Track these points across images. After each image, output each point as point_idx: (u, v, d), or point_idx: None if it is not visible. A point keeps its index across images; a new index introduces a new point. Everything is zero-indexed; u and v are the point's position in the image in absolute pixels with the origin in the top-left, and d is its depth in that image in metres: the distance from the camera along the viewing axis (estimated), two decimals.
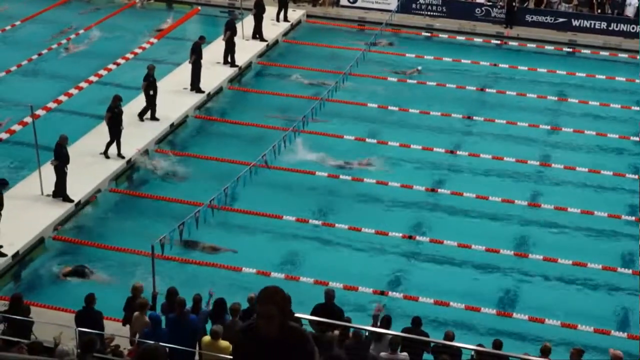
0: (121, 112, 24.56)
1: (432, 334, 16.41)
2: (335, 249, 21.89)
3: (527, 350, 16.31)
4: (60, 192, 22.46)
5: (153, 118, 26.76)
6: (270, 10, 34.50)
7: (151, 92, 26.46)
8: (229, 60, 31.06)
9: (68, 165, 22.25)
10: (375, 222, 22.63)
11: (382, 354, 14.54)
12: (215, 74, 30.37)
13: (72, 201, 22.51)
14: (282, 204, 23.42)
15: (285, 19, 35.74)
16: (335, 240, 22.17)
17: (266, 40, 33.53)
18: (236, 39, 31.27)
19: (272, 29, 34.87)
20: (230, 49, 30.98)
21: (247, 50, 32.45)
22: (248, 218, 22.78)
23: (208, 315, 15.87)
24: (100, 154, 24.56)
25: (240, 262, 20.83)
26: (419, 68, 31.80)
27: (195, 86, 28.88)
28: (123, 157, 24.65)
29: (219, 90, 29.94)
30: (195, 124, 28.02)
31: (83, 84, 29.38)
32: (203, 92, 28.98)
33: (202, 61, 28.93)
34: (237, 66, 31.07)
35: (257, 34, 33.51)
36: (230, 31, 30.84)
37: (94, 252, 21.25)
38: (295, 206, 23.33)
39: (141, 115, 26.71)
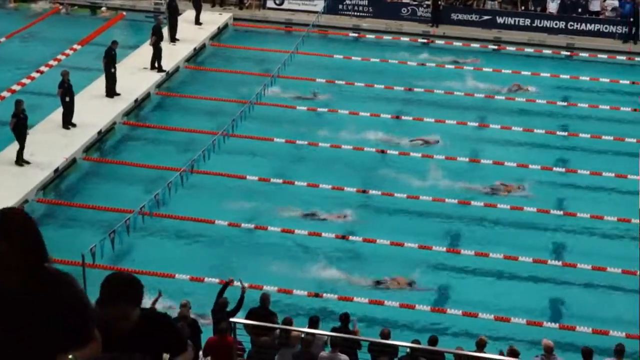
0: (26, 118, 24.00)
1: (367, 333, 16.45)
2: (269, 252, 21.80)
3: (462, 344, 16.40)
4: None
5: (70, 124, 26.27)
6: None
7: (67, 99, 26.01)
8: (156, 65, 30.76)
9: None
10: (308, 224, 22.60)
11: (323, 353, 14.53)
12: (142, 80, 30.07)
13: None
14: (213, 208, 23.24)
15: (197, 22, 35.48)
16: (268, 243, 22.08)
17: (177, 39, 33.27)
18: (164, 44, 31.01)
19: (199, 32, 34.71)
20: (156, 54, 30.70)
21: (174, 55, 32.22)
22: (180, 223, 22.57)
23: None
24: (16, 163, 24.08)
25: (173, 268, 20.61)
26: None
27: (110, 92, 28.43)
28: (28, 163, 24.14)
29: (147, 95, 29.64)
30: (123, 130, 27.70)
31: (5, 93, 28.77)
32: (118, 94, 28.47)
33: (130, 67, 28.59)
34: (164, 71, 30.80)
35: (171, 36, 33.29)
36: (156, 36, 30.56)
37: None
38: (228, 210, 23.18)
39: (65, 124, 26.27)
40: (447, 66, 33.04)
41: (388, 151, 26.53)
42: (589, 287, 20.76)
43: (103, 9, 38.01)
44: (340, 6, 37.68)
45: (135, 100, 28.89)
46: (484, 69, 32.81)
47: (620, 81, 31.97)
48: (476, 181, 25.04)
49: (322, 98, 29.96)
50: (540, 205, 23.74)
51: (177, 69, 31.86)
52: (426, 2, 37.21)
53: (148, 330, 5.36)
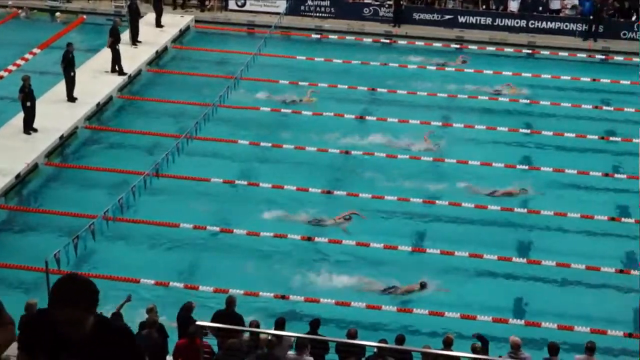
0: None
1: (335, 334, 16.43)
2: (235, 255, 21.73)
3: (429, 343, 16.43)
4: None
5: (31, 129, 26.03)
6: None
7: (28, 104, 25.76)
8: (117, 68, 30.53)
9: None
10: (273, 226, 22.53)
11: (289, 354, 14.49)
12: (104, 83, 29.85)
13: None
14: (178, 211, 23.11)
15: (159, 25, 35.30)
16: (234, 246, 22.00)
17: (139, 42, 33.08)
18: (126, 47, 30.79)
19: (161, 35, 34.54)
20: (115, 56, 30.45)
21: (136, 58, 32.02)
22: (144, 227, 22.42)
23: None
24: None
25: (138, 273, 20.46)
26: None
27: (69, 97, 28.20)
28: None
29: (109, 99, 29.41)
30: (86, 134, 27.47)
31: None
32: (75, 99, 28.25)
33: (91, 70, 28.35)
34: (125, 74, 30.57)
35: (133, 39, 33.08)
36: (113, 38, 30.30)
37: None
38: (193, 213, 23.06)
39: (26, 129, 26.01)
40: (410, 66, 33.11)
41: (352, 152, 26.53)
42: (553, 284, 20.88)
43: (58, 13, 37.64)
44: (302, 7, 37.68)
45: (98, 104, 28.64)
46: (447, 69, 32.95)
47: (582, 78, 32.22)
48: (441, 180, 25.13)
49: (289, 100, 29.88)
50: (504, 203, 23.84)
51: (139, 72, 31.64)
52: (388, 2, 37.32)
53: (103, 339, 5.06)
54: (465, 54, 34.41)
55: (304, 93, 30.29)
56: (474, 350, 15.48)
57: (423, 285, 20.29)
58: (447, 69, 32.90)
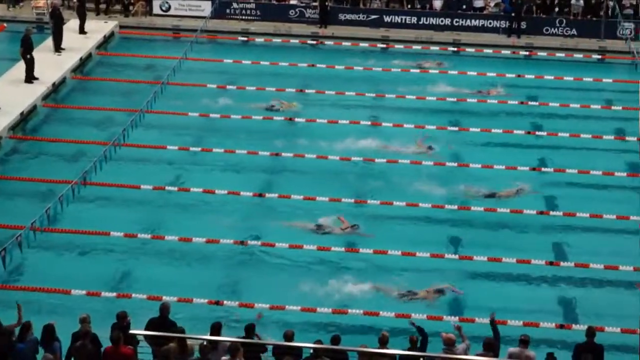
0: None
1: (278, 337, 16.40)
2: (167, 261, 21.51)
3: (365, 342, 16.44)
4: None
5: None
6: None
7: None
8: (30, 78, 29.99)
9: None
10: (205, 230, 22.36)
11: (223, 358, 14.37)
12: (27, 92, 29.33)
13: None
14: (108, 220, 22.79)
15: (82, 31, 34.85)
16: (166, 252, 21.77)
17: (62, 49, 32.70)
18: (50, 55, 30.31)
19: (84, 41, 34.08)
20: (27, 65, 29.91)
21: (60, 65, 31.54)
22: (74, 237, 22.06)
23: (37, 343, 15.22)
24: None
25: (69, 284, 20.10)
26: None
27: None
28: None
29: (33, 108, 28.90)
30: (10, 144, 26.96)
31: None
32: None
33: (13, 80, 27.87)
34: (36, 79, 29.99)
35: (56, 46, 32.63)
36: (24, 48, 29.73)
37: None
38: (123, 221, 22.77)
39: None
40: (337, 67, 33.18)
41: (283, 154, 26.49)
42: (484, 279, 21.05)
43: None
44: (228, 10, 37.53)
45: (21, 114, 28.12)
46: (374, 69, 33.09)
47: (507, 75, 32.64)
48: (367, 178, 25.25)
49: (218, 104, 29.74)
50: (435, 201, 24.01)
51: (63, 80, 31.14)
52: (313, 3, 37.37)
53: None
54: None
55: (232, 98, 30.17)
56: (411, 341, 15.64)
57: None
58: (374, 68, 33.03)
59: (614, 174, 25.58)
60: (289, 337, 15.49)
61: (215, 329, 15.38)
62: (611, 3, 36.48)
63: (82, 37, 34.36)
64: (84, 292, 19.82)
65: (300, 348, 15.13)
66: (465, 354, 15.67)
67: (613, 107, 30.38)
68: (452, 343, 15.56)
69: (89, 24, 35.19)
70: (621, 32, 35.69)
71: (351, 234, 22.68)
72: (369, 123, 28.73)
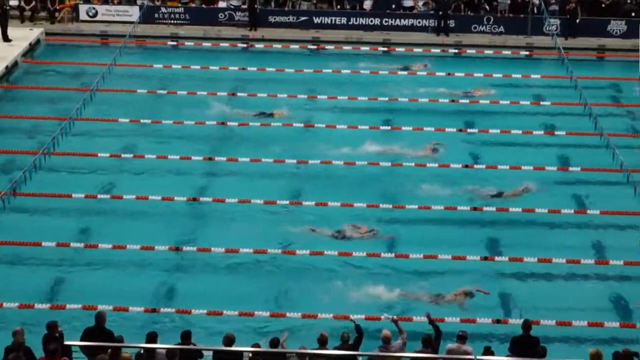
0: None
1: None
2: (102, 269, 21.22)
3: (304, 343, 16.42)
4: None
5: None
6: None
7: None
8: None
9: None
10: (139, 237, 22.11)
11: None
12: None
13: None
14: (40, 230, 22.40)
15: (6, 39, 34.27)
16: (100, 261, 21.48)
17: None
18: None
19: (9, 49, 33.55)
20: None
21: None
22: (4, 249, 21.63)
23: None
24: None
25: (1, 297, 19.70)
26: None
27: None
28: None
29: None
30: None
31: None
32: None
33: None
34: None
35: None
36: None
37: None
38: (55, 231, 22.39)
39: None
40: (268, 69, 33.12)
41: (216, 158, 26.37)
42: (421, 275, 21.16)
43: None
44: (156, 14, 37.28)
45: None
46: (305, 70, 33.09)
47: (437, 73, 32.92)
48: (302, 178, 25.23)
49: (149, 110, 29.49)
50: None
51: None
52: (243, 6, 37.28)
53: None
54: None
55: (163, 103, 29.93)
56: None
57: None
58: (305, 70, 33.03)
59: (545, 169, 25.97)
60: (229, 340, 15.35)
61: (152, 338, 15.21)
62: (537, 0, 37.03)
63: (7, 45, 33.85)
64: (16, 304, 19.43)
65: (239, 352, 15.06)
66: (402, 350, 15.74)
67: (541, 103, 30.83)
68: (388, 340, 15.61)
69: (14, 32, 34.65)
70: (547, 29, 36.25)
71: (371, 239, 22.61)
72: (302, 125, 28.69)
